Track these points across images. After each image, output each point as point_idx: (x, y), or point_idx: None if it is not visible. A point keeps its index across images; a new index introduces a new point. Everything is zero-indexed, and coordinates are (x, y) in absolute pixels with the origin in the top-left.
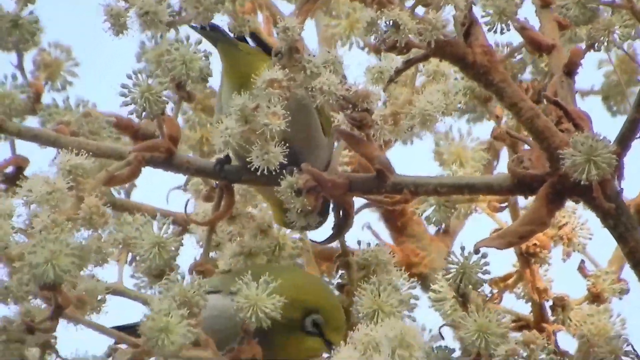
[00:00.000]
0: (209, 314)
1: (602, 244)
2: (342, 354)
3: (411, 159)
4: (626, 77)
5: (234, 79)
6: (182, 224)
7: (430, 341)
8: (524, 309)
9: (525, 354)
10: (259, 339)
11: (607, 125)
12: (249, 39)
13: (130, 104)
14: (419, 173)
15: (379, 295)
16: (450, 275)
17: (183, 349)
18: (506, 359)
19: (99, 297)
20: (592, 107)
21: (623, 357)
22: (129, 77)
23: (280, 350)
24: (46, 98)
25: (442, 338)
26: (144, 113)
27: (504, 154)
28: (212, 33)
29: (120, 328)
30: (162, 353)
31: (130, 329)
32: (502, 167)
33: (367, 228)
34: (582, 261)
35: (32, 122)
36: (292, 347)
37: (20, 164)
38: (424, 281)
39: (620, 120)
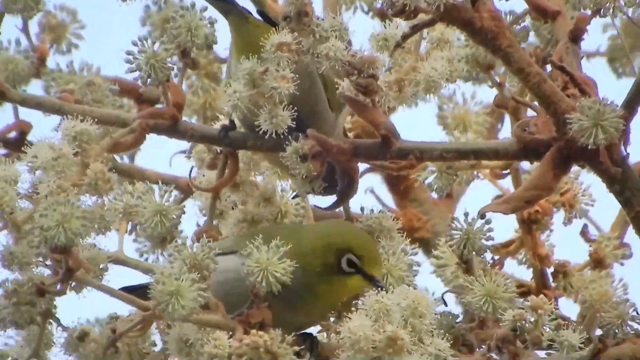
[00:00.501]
0: (224, 276)
1: (605, 208)
2: (354, 322)
3: (414, 123)
4: (631, 41)
5: (243, 51)
6: (186, 191)
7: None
8: (526, 275)
9: (532, 319)
10: (301, 291)
11: (611, 87)
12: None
13: (135, 71)
14: (422, 137)
15: (388, 259)
16: (453, 242)
17: (193, 313)
18: (514, 324)
19: (101, 266)
20: (597, 69)
21: (630, 322)
22: (134, 43)
23: (324, 297)
24: (51, 62)
25: (445, 304)
26: (149, 80)
27: (508, 117)
28: (224, 5)
29: (128, 289)
30: (173, 317)
31: (139, 290)
32: (507, 130)
33: (370, 192)
34: (585, 225)
35: (36, 85)
36: (334, 291)
37: (23, 129)
38: (426, 246)
39: (625, 82)
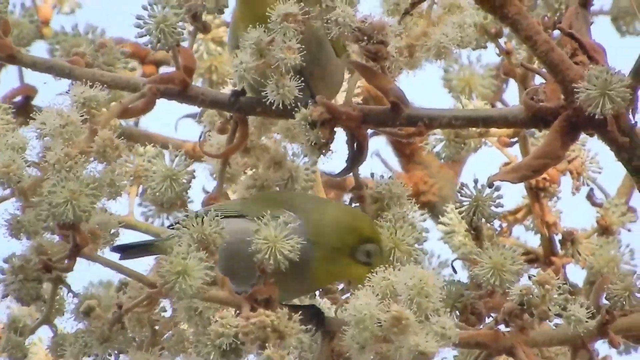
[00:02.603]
0: (235, 238)
1: (611, 175)
2: (360, 300)
3: (419, 86)
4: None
5: (249, 13)
6: (193, 155)
7: (439, 267)
8: (534, 242)
9: (540, 294)
10: (302, 263)
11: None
12: None
13: (146, 35)
14: (427, 101)
15: (396, 233)
16: (463, 209)
17: (200, 292)
18: (521, 298)
19: (112, 231)
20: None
21: (638, 294)
22: (144, 8)
23: (320, 272)
24: (56, 26)
25: (455, 272)
26: (159, 44)
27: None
28: None
29: (121, 247)
30: (180, 297)
31: (135, 248)
32: (510, 94)
33: (376, 156)
34: (591, 189)
35: (40, 47)
36: (334, 272)
37: (28, 93)
38: (433, 209)
39: (629, 41)
